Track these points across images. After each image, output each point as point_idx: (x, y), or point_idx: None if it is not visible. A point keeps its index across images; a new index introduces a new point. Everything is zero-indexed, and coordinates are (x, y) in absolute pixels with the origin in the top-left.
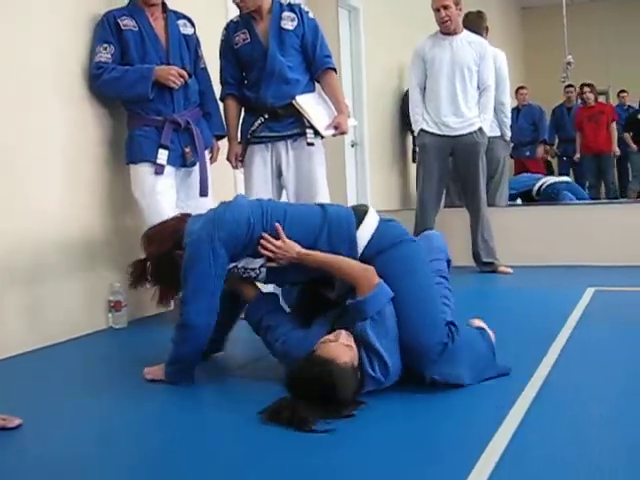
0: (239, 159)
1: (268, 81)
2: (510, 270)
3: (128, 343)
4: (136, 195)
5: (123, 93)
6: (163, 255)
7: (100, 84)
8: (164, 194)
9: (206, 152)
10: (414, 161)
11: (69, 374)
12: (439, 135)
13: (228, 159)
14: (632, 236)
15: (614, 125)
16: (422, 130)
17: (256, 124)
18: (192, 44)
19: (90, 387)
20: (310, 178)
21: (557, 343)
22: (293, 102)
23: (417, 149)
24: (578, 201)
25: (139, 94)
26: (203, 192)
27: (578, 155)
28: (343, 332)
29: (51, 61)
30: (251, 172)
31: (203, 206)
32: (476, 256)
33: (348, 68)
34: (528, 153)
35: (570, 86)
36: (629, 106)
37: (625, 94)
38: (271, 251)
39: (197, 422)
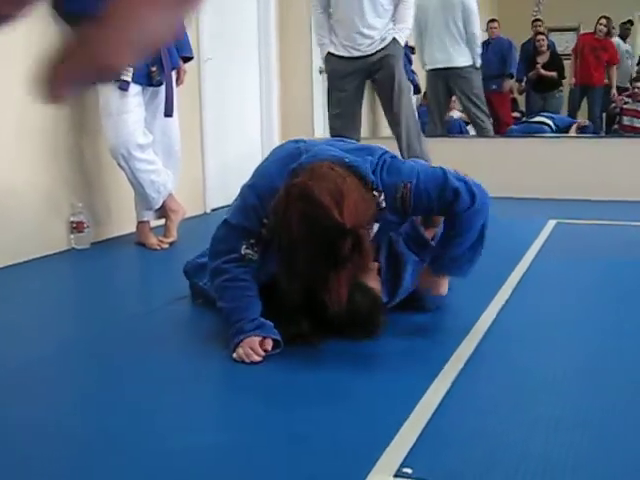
0: None
1: None
2: None
3: (91, 264)
4: (103, 114)
5: None
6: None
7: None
8: (132, 113)
9: (173, 73)
10: None
11: (31, 294)
12: (350, 58)
13: None
14: (597, 170)
15: (614, 68)
16: (329, 54)
17: None
18: None
19: (56, 308)
20: None
21: (517, 272)
22: None
23: (326, 76)
24: (544, 134)
25: None
26: (168, 112)
27: (573, 80)
28: None
29: None
30: None
31: (168, 126)
32: None
33: None
34: (495, 87)
35: (538, 20)
36: None
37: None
38: None
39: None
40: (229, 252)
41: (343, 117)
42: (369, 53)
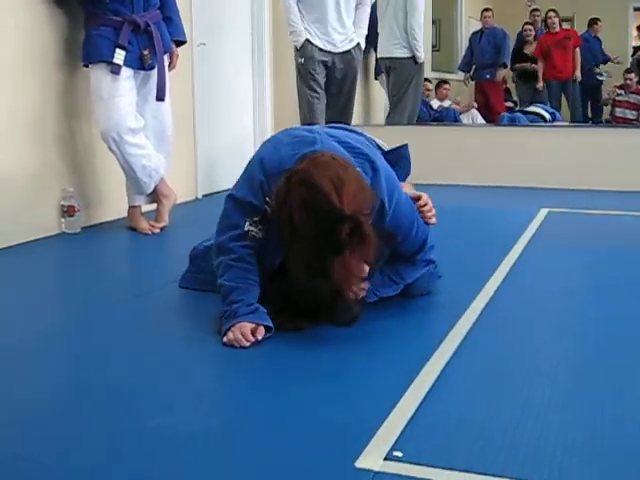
0: None
1: None
2: None
3: (82, 249)
4: (94, 98)
5: None
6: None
7: None
8: (123, 96)
9: (165, 57)
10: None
11: (21, 278)
12: (324, 50)
13: None
14: (589, 160)
15: (578, 50)
16: (308, 41)
17: None
18: None
19: (45, 291)
20: None
21: (508, 259)
22: None
23: (301, 61)
24: (532, 124)
25: None
26: (160, 96)
27: (541, 83)
28: None
29: None
30: None
31: (160, 110)
32: None
33: None
34: (488, 76)
35: (536, 10)
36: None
37: (599, 24)
38: None
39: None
40: (233, 228)
41: (322, 99)
42: (340, 51)
